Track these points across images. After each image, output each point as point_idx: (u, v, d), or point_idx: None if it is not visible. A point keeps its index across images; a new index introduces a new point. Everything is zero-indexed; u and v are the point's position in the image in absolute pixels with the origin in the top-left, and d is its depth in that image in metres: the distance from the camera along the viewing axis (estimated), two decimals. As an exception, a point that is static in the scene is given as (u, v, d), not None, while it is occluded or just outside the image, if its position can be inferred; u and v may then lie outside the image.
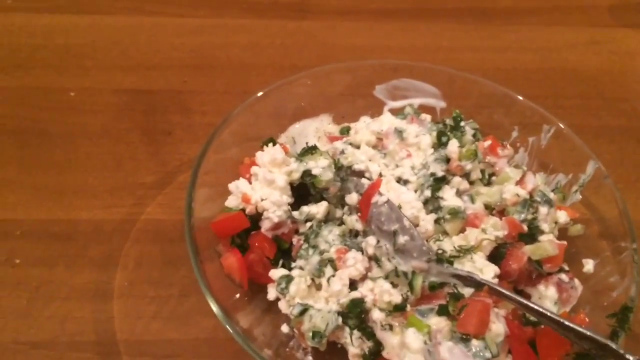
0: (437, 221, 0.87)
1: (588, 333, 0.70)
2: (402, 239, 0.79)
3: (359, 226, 0.86)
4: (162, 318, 0.88)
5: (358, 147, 0.97)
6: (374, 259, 0.82)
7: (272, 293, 0.84)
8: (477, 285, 0.78)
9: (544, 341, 0.78)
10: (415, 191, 0.90)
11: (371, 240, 0.82)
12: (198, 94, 1.22)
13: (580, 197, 0.95)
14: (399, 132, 0.96)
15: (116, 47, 1.30)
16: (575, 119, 1.23)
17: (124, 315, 0.88)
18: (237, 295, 0.84)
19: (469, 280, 0.78)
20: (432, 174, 0.90)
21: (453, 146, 0.91)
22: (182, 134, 1.14)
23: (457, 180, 0.91)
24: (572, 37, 1.47)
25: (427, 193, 0.89)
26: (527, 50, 1.42)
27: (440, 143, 0.95)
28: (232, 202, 0.90)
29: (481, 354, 0.72)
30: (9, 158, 1.07)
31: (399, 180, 0.91)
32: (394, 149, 0.95)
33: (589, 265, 0.88)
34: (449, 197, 0.88)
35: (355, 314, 0.79)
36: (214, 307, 0.76)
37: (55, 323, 0.86)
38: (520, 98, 1.04)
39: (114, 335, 0.85)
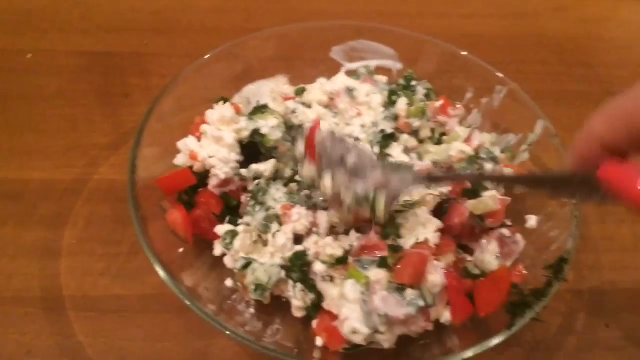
0: None
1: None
2: (351, 159, 0.76)
3: (310, 172, 0.84)
4: (110, 275, 0.88)
5: (310, 106, 0.97)
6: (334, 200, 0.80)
7: (217, 249, 0.85)
8: (436, 179, 0.79)
9: (481, 293, 0.79)
10: None
11: (326, 179, 0.78)
12: (158, 56, 1.21)
13: (528, 155, 0.95)
14: (350, 91, 0.96)
15: (76, 9, 1.29)
16: (537, 84, 1.23)
17: (71, 272, 0.88)
18: (181, 250, 0.84)
19: (430, 177, 0.78)
20: (381, 131, 0.90)
21: (401, 103, 0.91)
22: (140, 96, 1.13)
23: (405, 137, 0.91)
24: (539, 3, 1.47)
25: (376, 149, 0.89)
26: (493, 16, 1.42)
27: (390, 102, 0.95)
28: (180, 159, 0.89)
29: (414, 302, 0.73)
30: (-39, 118, 1.06)
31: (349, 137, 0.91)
32: (344, 107, 0.95)
33: (531, 220, 0.89)
34: (396, 154, 0.89)
35: (297, 266, 0.79)
36: (155, 264, 0.76)
37: (1, 279, 0.86)
38: (474, 59, 1.04)
39: (60, 291, 0.86)
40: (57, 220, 0.93)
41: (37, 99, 1.10)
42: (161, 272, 0.76)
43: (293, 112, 0.94)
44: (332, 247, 0.79)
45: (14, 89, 1.12)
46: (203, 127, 0.90)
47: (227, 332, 0.72)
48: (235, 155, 0.88)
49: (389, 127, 0.91)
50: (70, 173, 0.99)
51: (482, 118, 1.02)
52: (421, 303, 0.73)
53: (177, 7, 1.32)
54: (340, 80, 1.00)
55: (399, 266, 0.75)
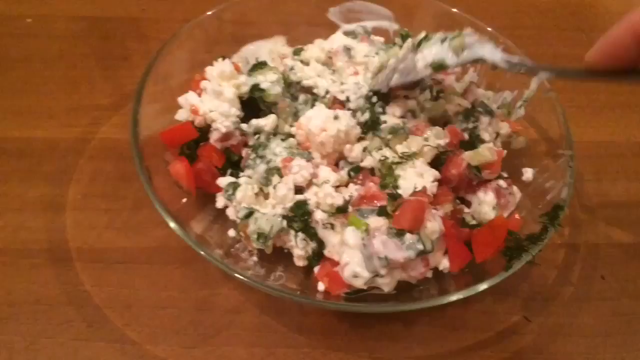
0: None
1: None
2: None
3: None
4: (115, 228, 0.90)
5: (308, 64, 0.98)
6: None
7: (220, 201, 0.87)
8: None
9: (479, 240, 0.81)
10: (355, 112, 0.90)
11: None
12: (156, 21, 1.22)
13: (524, 112, 0.97)
14: (348, 50, 0.98)
15: (74, -24, 1.29)
16: (531, 48, 1.23)
17: (77, 226, 0.90)
18: (184, 200, 0.86)
19: None
20: (370, 97, 0.91)
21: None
22: (139, 60, 1.14)
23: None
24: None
25: (367, 115, 0.90)
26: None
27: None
28: (181, 115, 0.91)
29: (414, 246, 0.75)
30: (-35, 79, 1.07)
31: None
32: (341, 66, 0.96)
33: (528, 173, 0.91)
34: (389, 117, 0.90)
35: (299, 215, 0.81)
36: (163, 213, 0.78)
37: (7, 232, 0.88)
38: (469, 18, 1.05)
39: (66, 244, 0.87)
40: (61, 176, 0.95)
41: (39, 62, 1.12)
42: (170, 222, 0.78)
43: (292, 69, 0.96)
44: (332, 197, 0.81)
45: (15, 53, 1.13)
46: (203, 83, 0.92)
47: (236, 275, 0.74)
48: (235, 110, 0.90)
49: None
50: (73, 132, 1.01)
51: (478, 77, 1.04)
52: (420, 247, 0.75)
53: (175, -27, 1.33)
54: (339, 39, 1.01)
55: (397, 212, 0.77)
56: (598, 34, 1.28)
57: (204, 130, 0.90)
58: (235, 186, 0.85)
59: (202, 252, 0.75)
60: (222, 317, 0.83)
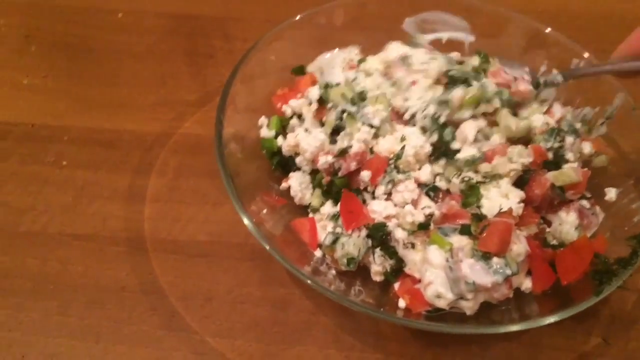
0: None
1: None
2: None
3: None
4: (197, 222, 0.93)
5: (371, 75, 0.97)
6: None
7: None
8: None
9: (564, 261, 0.80)
10: (425, 131, 0.89)
11: None
12: (239, 21, 1.25)
13: (606, 129, 0.95)
14: (404, 59, 0.95)
15: (162, -27, 1.33)
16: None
17: (161, 217, 0.93)
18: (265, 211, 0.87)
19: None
20: (437, 118, 0.89)
21: (457, 93, 0.89)
22: (224, 58, 1.17)
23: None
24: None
25: (435, 137, 0.88)
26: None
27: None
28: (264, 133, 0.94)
29: (501, 271, 0.74)
30: (60, 71, 1.12)
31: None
32: (400, 77, 0.94)
33: (611, 193, 0.89)
34: (462, 145, 0.88)
35: (377, 236, 0.81)
36: (244, 216, 0.79)
37: (97, 220, 0.92)
38: (550, 31, 1.04)
39: (151, 234, 0.91)
40: (148, 168, 0.98)
41: (128, 56, 1.16)
42: (249, 225, 0.79)
43: (354, 80, 0.95)
44: (413, 215, 0.81)
45: (107, 46, 1.17)
46: (285, 108, 0.95)
47: (329, 294, 0.75)
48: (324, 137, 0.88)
49: (443, 116, 0.89)
50: (159, 126, 1.04)
51: (556, 92, 1.01)
52: (508, 272, 0.74)
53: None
54: (394, 48, 1.00)
55: (484, 234, 0.76)
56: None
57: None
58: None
59: (294, 271, 0.76)
60: (298, 317, 0.84)
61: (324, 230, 0.84)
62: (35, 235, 0.90)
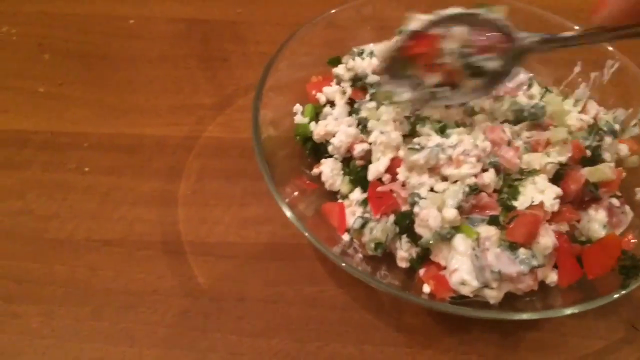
0: None
1: None
2: None
3: None
4: (224, 224, 0.93)
5: None
6: None
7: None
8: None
9: (591, 257, 0.81)
10: None
11: None
12: (251, 24, 1.26)
13: (638, 130, 0.96)
14: None
15: (172, -21, 1.34)
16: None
17: (188, 220, 0.93)
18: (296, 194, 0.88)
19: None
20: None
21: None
22: (238, 61, 1.18)
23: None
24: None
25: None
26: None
27: None
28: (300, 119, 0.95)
29: (527, 261, 0.75)
30: (75, 78, 1.12)
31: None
32: None
33: None
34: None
35: (404, 224, 0.82)
36: (289, 213, 0.78)
37: (124, 224, 0.92)
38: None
39: (179, 237, 0.91)
40: (171, 172, 0.98)
41: (143, 62, 1.16)
42: (291, 216, 0.78)
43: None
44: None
45: (121, 52, 1.18)
46: (319, 95, 0.97)
47: (354, 272, 0.75)
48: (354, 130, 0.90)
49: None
50: (180, 130, 1.04)
51: (590, 92, 1.02)
52: (534, 263, 0.75)
53: (268, -22, 1.36)
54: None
55: (511, 225, 0.77)
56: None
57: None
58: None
59: (323, 250, 0.77)
60: (330, 314, 0.84)
61: (353, 215, 0.85)
62: (63, 243, 0.90)
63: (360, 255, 0.85)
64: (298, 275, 0.88)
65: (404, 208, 0.83)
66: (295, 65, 0.97)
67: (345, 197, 0.89)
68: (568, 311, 0.75)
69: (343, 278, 0.87)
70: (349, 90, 0.95)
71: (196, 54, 1.19)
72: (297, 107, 0.95)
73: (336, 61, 1.00)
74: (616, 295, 0.75)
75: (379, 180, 0.87)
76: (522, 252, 0.76)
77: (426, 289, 0.80)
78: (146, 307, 0.84)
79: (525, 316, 0.75)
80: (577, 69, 1.04)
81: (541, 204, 0.80)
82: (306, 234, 0.76)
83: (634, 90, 0.98)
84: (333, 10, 1.04)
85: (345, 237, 0.85)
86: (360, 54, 0.99)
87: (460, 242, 0.79)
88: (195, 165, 1.00)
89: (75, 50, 1.18)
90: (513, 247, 0.76)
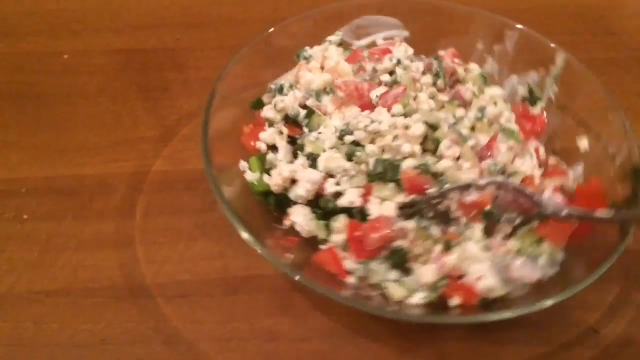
0: None
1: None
2: None
3: None
4: (173, 262, 0.89)
5: None
6: None
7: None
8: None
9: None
10: None
11: None
12: (191, 50, 1.23)
13: (557, 88, 0.99)
14: None
15: (106, 10, 1.30)
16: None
17: (135, 262, 0.89)
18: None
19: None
20: None
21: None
22: (179, 90, 1.15)
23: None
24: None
25: None
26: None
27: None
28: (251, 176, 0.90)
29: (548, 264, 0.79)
30: (8, 121, 1.08)
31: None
32: None
33: (583, 142, 0.93)
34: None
35: (396, 262, 0.81)
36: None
37: (67, 272, 0.88)
38: (474, 10, 1.08)
39: (126, 280, 0.87)
40: (114, 213, 0.95)
41: (79, 98, 1.12)
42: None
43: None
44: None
45: (56, 90, 1.13)
46: (258, 144, 0.93)
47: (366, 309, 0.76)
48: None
49: None
50: (122, 167, 1.01)
51: (498, 65, 1.05)
52: (557, 262, 0.78)
53: (205, 2, 1.34)
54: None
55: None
56: (629, 37, 1.29)
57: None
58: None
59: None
60: (290, 346, 0.82)
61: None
62: (3, 297, 0.85)
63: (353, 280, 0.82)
64: (253, 309, 0.85)
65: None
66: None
67: (325, 241, 0.85)
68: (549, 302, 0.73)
69: (299, 308, 0.85)
70: (285, 130, 0.92)
71: (135, 85, 1.15)
72: (243, 165, 0.91)
73: (259, 104, 0.97)
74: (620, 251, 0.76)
75: (358, 216, 0.84)
76: (542, 256, 0.78)
77: (455, 301, 0.78)
78: (94, 358, 0.80)
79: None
80: (480, 47, 1.08)
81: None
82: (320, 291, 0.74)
83: (540, 53, 1.02)
84: (271, 30, 1.03)
85: (351, 279, 0.81)
86: (281, 90, 0.96)
87: (473, 246, 0.79)
88: (139, 202, 0.96)
89: (7, 91, 1.13)
90: (534, 253, 0.78)
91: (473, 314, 0.78)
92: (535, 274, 0.77)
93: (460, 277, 0.79)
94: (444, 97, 0.95)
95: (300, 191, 0.85)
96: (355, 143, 0.86)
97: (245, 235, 0.76)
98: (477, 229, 0.81)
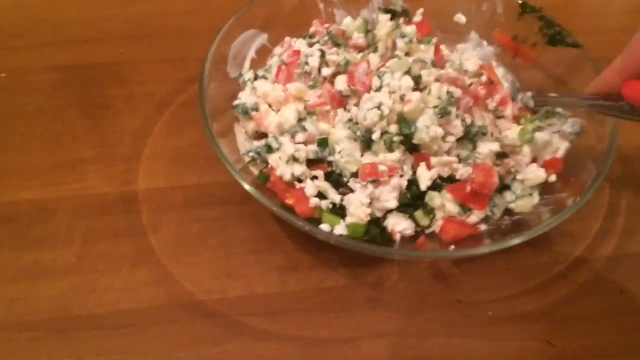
0: None
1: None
2: None
3: None
4: (115, 290, 0.86)
5: None
6: None
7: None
8: None
9: None
10: None
11: None
12: (135, 64, 1.19)
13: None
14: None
15: (45, 25, 1.25)
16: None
17: (75, 291, 0.85)
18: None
19: None
20: None
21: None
22: (121, 106, 1.10)
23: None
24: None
25: None
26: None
27: None
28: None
29: None
30: (-60, 144, 1.03)
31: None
32: None
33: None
34: None
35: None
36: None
37: (2, 305, 0.83)
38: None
39: (66, 312, 0.83)
40: (53, 239, 0.91)
41: (17, 118, 1.07)
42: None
43: None
44: None
45: (-9, 110, 1.08)
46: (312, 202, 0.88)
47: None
48: None
49: None
50: (60, 190, 0.96)
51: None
52: None
53: (150, 13, 1.29)
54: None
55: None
56: (584, 36, 1.27)
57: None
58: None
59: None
60: (236, 375, 0.79)
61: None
62: None
63: None
64: (198, 337, 0.82)
65: None
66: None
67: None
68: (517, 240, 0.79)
69: (246, 333, 0.82)
70: (319, 173, 0.89)
71: (76, 102, 1.11)
72: (325, 227, 0.86)
73: (264, 177, 0.91)
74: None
75: None
76: None
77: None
78: (32, 397, 0.76)
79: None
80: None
81: None
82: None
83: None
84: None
85: None
86: (270, 150, 0.91)
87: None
88: (79, 227, 0.92)
89: (-60, 114, 1.07)
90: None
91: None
92: None
93: None
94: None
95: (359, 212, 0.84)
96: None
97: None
98: None
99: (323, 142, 0.87)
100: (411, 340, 0.83)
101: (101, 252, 0.90)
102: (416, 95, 0.85)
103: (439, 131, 0.84)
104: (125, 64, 1.18)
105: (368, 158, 0.86)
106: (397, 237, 0.84)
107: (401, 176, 0.85)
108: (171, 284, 0.86)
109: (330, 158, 0.87)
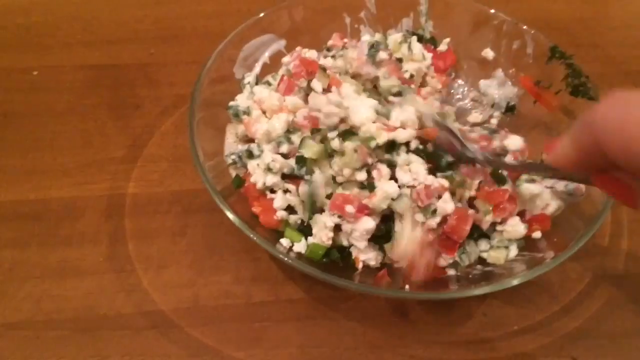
0: None
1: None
2: None
3: None
4: (141, 291, 0.86)
5: None
6: None
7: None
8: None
9: None
10: None
11: None
12: (165, 65, 1.19)
13: (432, 23, 1.11)
14: None
15: (77, 24, 1.26)
16: (550, 67, 1.22)
17: (102, 291, 0.86)
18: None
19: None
20: None
21: None
22: (151, 107, 1.11)
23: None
24: (541, -12, 1.46)
25: None
26: (498, 3, 1.40)
27: None
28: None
29: None
30: (-28, 142, 1.04)
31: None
32: None
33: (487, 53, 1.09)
34: None
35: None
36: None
37: (30, 303, 0.84)
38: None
39: (92, 311, 0.84)
40: (81, 238, 0.91)
41: (48, 117, 1.08)
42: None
43: None
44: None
45: (23, 108, 1.09)
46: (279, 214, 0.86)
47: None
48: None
49: None
50: (90, 190, 0.97)
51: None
52: None
53: (179, 15, 1.30)
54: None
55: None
56: (614, 49, 1.27)
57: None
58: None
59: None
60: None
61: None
62: (-37, 332, 0.82)
63: None
64: (221, 340, 0.82)
65: None
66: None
67: None
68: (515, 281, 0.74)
69: (270, 340, 0.82)
70: (292, 188, 0.85)
71: (106, 102, 1.12)
72: (285, 242, 0.85)
73: (239, 181, 0.91)
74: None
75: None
76: None
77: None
78: (59, 396, 0.76)
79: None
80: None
81: None
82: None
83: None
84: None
85: None
86: (250, 155, 0.90)
87: None
88: (107, 228, 0.93)
89: (-28, 111, 1.09)
90: None
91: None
92: None
93: None
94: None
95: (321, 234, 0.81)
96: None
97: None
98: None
99: (301, 161, 0.83)
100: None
101: (128, 252, 0.90)
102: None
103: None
104: (156, 65, 1.19)
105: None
106: (360, 265, 0.81)
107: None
108: (199, 287, 0.86)
109: (307, 177, 0.82)
